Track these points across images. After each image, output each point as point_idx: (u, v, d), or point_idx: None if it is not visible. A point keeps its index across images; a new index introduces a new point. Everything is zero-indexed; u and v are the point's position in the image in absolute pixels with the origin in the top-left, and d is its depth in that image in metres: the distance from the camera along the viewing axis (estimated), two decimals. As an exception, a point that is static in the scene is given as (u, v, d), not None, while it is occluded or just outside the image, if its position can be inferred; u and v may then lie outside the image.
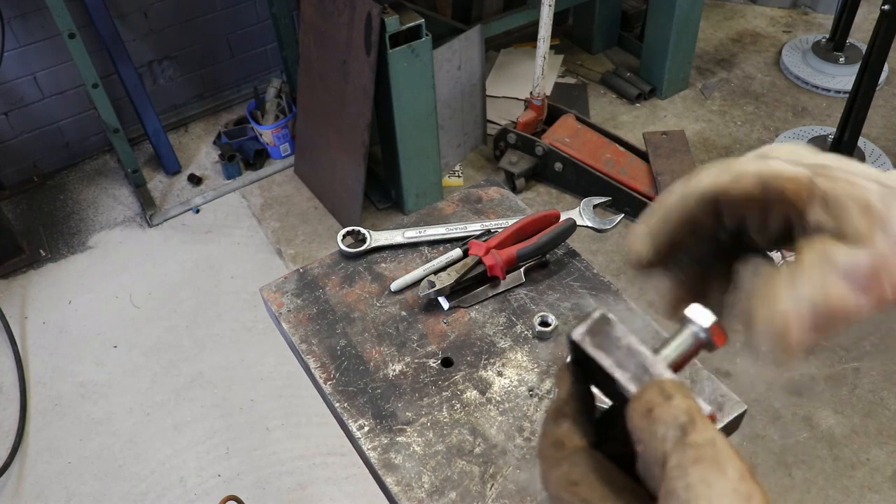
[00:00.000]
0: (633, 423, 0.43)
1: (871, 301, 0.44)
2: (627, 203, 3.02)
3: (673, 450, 0.39)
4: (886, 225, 0.44)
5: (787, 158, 0.48)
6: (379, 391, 1.07)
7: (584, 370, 0.51)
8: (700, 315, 0.49)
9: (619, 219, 1.33)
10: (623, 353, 0.48)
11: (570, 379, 0.50)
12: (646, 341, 0.48)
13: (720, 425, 1.01)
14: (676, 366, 0.49)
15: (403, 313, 1.18)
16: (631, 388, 0.46)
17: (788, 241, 0.48)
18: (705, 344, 0.49)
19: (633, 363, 0.47)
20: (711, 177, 0.49)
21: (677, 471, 0.39)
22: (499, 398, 1.06)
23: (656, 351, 0.49)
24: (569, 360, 0.52)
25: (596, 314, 0.49)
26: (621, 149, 3.17)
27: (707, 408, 0.44)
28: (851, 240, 0.44)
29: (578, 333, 0.48)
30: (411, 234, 1.29)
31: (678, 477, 0.38)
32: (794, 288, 0.44)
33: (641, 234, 0.51)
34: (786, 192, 0.46)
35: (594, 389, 0.52)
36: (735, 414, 1.02)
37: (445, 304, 1.18)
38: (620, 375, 0.46)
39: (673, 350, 0.49)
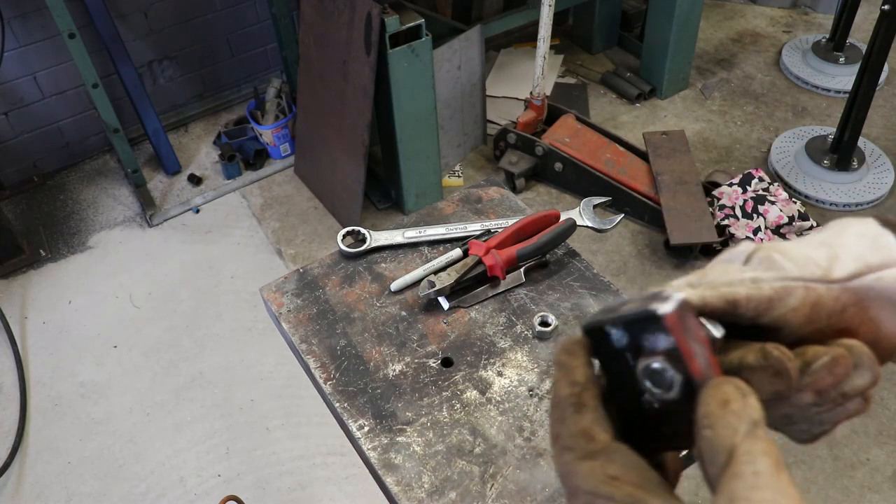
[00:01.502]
0: (706, 409, 0.42)
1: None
2: (627, 203, 3.02)
3: (744, 440, 0.41)
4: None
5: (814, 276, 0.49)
6: (379, 391, 1.07)
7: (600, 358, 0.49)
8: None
9: (619, 219, 1.33)
10: (698, 343, 0.45)
11: (585, 361, 0.48)
12: None
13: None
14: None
15: (403, 313, 1.18)
16: (707, 376, 0.44)
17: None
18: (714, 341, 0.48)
19: (705, 355, 0.45)
20: (721, 285, 0.48)
21: (748, 457, 0.40)
22: (499, 398, 1.06)
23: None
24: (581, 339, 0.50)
25: (673, 296, 0.46)
26: (621, 149, 3.17)
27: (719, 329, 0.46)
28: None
29: (668, 307, 0.45)
30: (411, 234, 1.29)
31: (748, 462, 0.40)
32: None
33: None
34: (827, 313, 0.49)
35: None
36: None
37: (445, 304, 1.18)
38: (700, 368, 0.44)
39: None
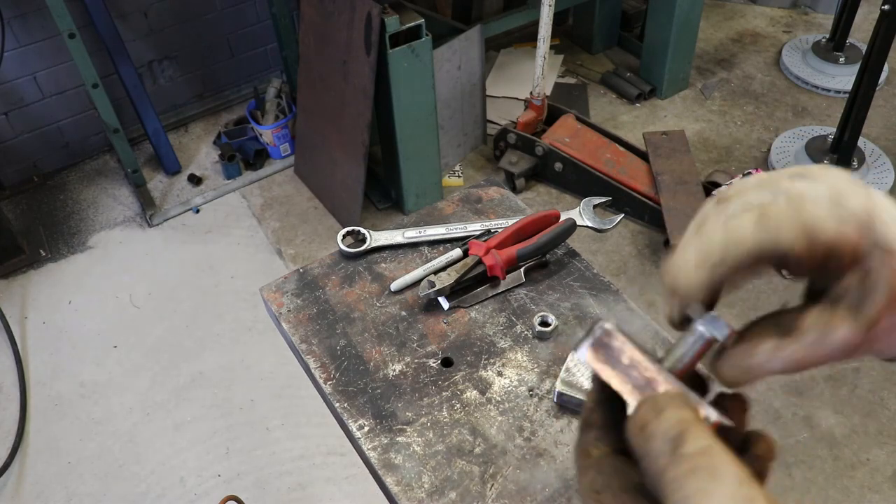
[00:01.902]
0: (631, 442, 0.43)
1: (847, 360, 0.46)
2: (627, 203, 3.02)
3: (668, 463, 0.39)
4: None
5: (830, 197, 0.44)
6: (379, 391, 1.07)
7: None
8: (706, 316, 0.48)
9: (619, 219, 1.33)
10: (626, 365, 0.48)
11: (594, 387, 0.52)
12: (647, 342, 0.48)
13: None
14: (686, 368, 0.49)
15: (403, 313, 1.18)
16: (632, 402, 0.46)
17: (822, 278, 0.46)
18: (712, 342, 0.48)
19: (636, 375, 0.47)
20: (763, 233, 0.44)
21: (674, 484, 0.39)
22: (499, 398, 1.06)
23: (662, 359, 0.49)
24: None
25: (597, 328, 0.50)
26: (621, 149, 3.17)
27: (713, 415, 0.44)
28: (859, 321, 0.43)
29: (583, 351, 0.49)
30: (411, 234, 1.29)
31: (675, 490, 0.38)
32: (774, 353, 0.45)
33: (696, 278, 0.47)
34: (832, 255, 0.44)
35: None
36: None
37: (445, 304, 1.18)
38: (624, 390, 0.47)
39: (678, 354, 0.49)
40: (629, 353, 0.48)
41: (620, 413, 0.49)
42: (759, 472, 0.47)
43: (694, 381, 0.50)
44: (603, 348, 0.49)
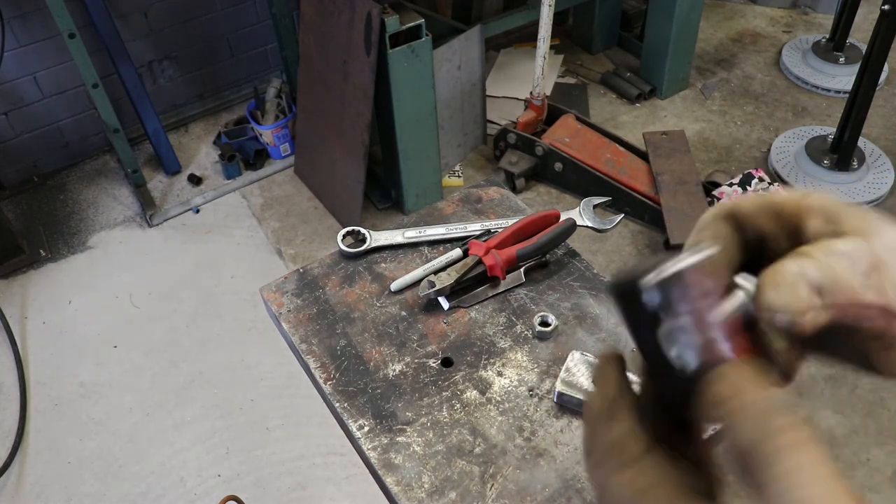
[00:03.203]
0: (722, 409, 0.41)
1: (875, 294, 0.44)
2: (627, 203, 3.02)
3: (761, 438, 0.39)
4: (881, 233, 0.45)
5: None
6: (379, 391, 1.07)
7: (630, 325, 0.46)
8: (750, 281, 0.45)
9: (619, 219, 1.33)
10: (695, 309, 0.43)
11: (617, 371, 0.48)
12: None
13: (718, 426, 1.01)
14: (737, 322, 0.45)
15: (403, 313, 1.18)
16: (695, 353, 0.42)
17: None
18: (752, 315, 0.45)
19: (705, 324, 0.43)
20: (716, 206, 0.49)
21: (770, 458, 0.38)
22: (499, 398, 1.06)
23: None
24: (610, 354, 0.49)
25: (667, 268, 0.43)
26: (621, 149, 3.17)
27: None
28: (853, 233, 0.45)
29: (651, 280, 0.42)
30: (411, 234, 1.29)
31: (773, 464, 0.38)
32: (800, 265, 0.44)
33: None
34: (784, 206, 0.47)
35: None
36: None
37: (445, 304, 1.18)
38: (695, 333, 0.42)
39: (728, 309, 0.45)
40: (712, 293, 0.43)
41: (646, 400, 0.47)
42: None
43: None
44: (679, 286, 0.43)
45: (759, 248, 0.49)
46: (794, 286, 0.43)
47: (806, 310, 0.43)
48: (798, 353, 0.47)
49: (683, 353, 0.43)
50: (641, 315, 0.44)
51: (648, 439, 0.45)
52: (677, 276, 0.42)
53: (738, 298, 0.45)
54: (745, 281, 0.45)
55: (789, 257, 0.45)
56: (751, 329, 0.45)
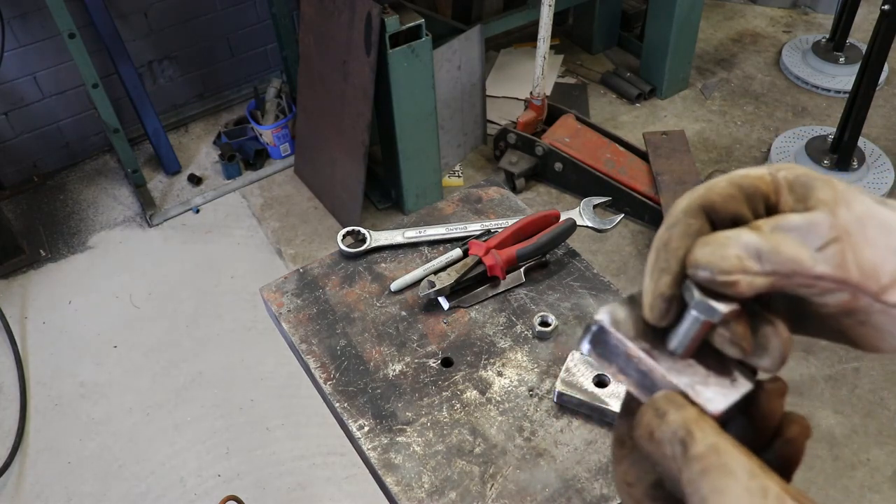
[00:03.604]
0: (643, 451, 0.43)
1: (829, 266, 0.44)
2: (627, 203, 3.02)
3: (682, 467, 0.40)
4: (850, 203, 0.45)
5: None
6: (379, 391, 1.07)
7: None
8: (699, 297, 0.46)
9: (619, 219, 1.33)
10: (623, 360, 0.47)
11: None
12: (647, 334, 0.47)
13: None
14: (686, 352, 0.47)
15: (403, 313, 1.18)
16: (641, 398, 0.46)
17: None
18: (710, 325, 0.46)
19: (634, 370, 0.47)
20: (687, 197, 0.48)
21: (690, 487, 0.39)
22: (499, 398, 1.06)
23: (657, 349, 0.47)
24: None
25: (593, 325, 0.48)
26: (621, 149, 3.17)
27: (717, 406, 0.43)
28: (817, 206, 0.45)
29: (584, 349, 0.48)
30: (411, 234, 1.29)
31: (693, 493, 0.39)
32: (737, 231, 0.44)
33: (654, 279, 0.47)
34: (758, 186, 0.47)
35: None
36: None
37: (445, 304, 1.18)
38: (629, 386, 0.46)
39: (677, 340, 0.47)
40: (625, 347, 0.47)
41: None
42: (793, 455, 0.46)
43: (708, 352, 0.48)
44: (601, 345, 0.47)
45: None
46: (722, 245, 0.43)
47: (734, 269, 0.43)
48: (745, 328, 0.46)
49: (635, 394, 0.47)
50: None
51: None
52: (598, 336, 0.48)
53: (687, 323, 0.47)
54: (693, 299, 0.46)
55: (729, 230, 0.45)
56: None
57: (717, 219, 0.47)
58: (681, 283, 0.46)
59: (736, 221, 0.47)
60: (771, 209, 0.47)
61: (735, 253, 0.43)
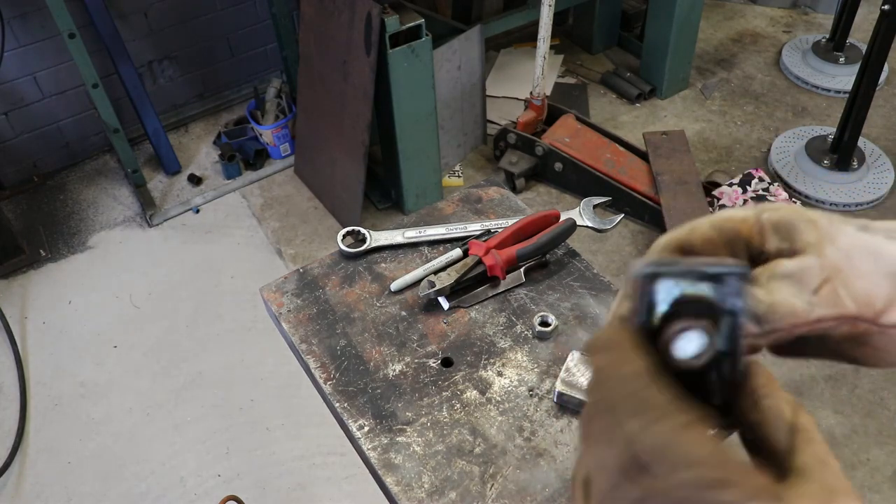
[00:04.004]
0: (760, 380, 0.44)
1: (826, 307, 0.45)
2: (627, 203, 3.02)
3: (797, 412, 0.43)
4: (835, 239, 0.46)
5: (737, 210, 0.50)
6: (379, 391, 1.07)
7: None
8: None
9: (619, 219, 1.33)
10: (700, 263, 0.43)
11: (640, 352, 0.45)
12: None
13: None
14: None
15: (403, 313, 1.18)
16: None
17: None
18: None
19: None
20: (666, 236, 0.49)
21: (810, 428, 0.42)
22: (499, 398, 1.06)
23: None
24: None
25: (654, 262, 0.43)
26: (621, 149, 3.17)
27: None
28: (805, 250, 0.46)
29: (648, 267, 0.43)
30: (411, 234, 1.29)
31: (812, 430, 0.42)
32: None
33: (619, 304, 0.47)
34: (740, 230, 0.48)
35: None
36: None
37: (445, 304, 1.18)
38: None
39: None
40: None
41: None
42: None
43: None
44: (744, 288, 0.44)
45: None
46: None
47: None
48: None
49: (695, 348, 0.43)
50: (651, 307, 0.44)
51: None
52: (731, 274, 0.43)
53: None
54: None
55: None
56: None
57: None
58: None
59: None
60: (755, 251, 0.49)
61: None
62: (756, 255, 0.49)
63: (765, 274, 0.46)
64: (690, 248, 0.48)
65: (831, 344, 0.49)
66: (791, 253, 0.47)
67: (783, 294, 0.45)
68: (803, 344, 0.50)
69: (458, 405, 1.05)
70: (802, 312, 0.45)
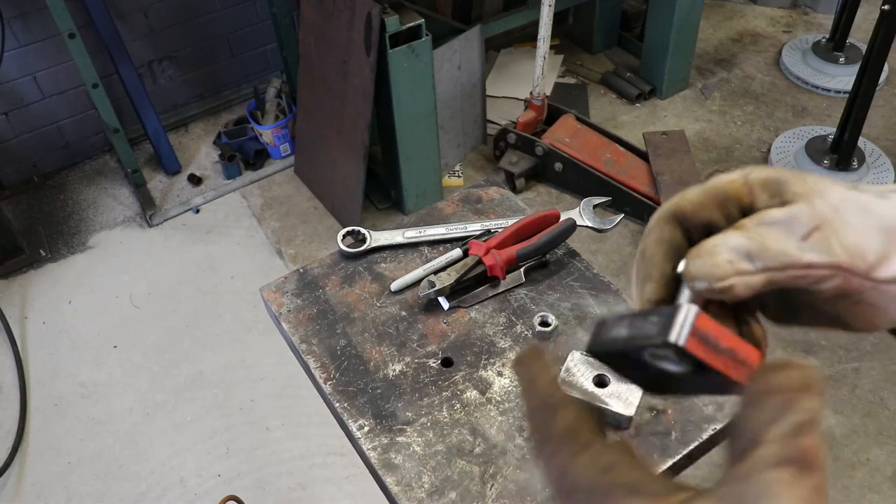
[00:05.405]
0: (756, 393, 0.40)
1: (817, 254, 0.45)
2: (627, 203, 3.02)
3: (772, 438, 0.38)
4: (824, 193, 0.46)
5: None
6: (379, 391, 1.07)
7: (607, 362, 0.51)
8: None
9: (619, 219, 1.33)
10: (631, 321, 0.46)
11: (545, 366, 0.48)
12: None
13: (720, 426, 1.01)
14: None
15: (403, 313, 1.18)
16: (672, 334, 0.43)
17: None
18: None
19: (653, 320, 0.44)
20: (661, 207, 0.50)
21: (765, 460, 0.37)
22: (499, 398, 1.06)
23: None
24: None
25: (688, 312, 0.44)
26: (621, 149, 3.17)
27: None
28: (793, 199, 0.46)
29: (677, 337, 0.44)
30: (411, 234, 1.29)
31: (763, 465, 0.37)
32: (723, 236, 0.46)
33: (639, 288, 0.49)
34: (729, 191, 0.49)
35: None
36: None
37: (445, 304, 1.18)
38: (646, 331, 0.44)
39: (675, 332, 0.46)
40: (723, 339, 0.44)
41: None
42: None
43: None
44: (701, 341, 0.43)
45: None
46: (712, 254, 0.45)
47: (728, 274, 0.45)
48: (755, 322, 0.49)
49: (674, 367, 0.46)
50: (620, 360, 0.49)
51: (594, 426, 0.45)
52: (664, 346, 0.44)
53: (684, 295, 0.47)
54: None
55: (721, 232, 0.47)
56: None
57: (690, 225, 0.49)
58: (664, 285, 0.48)
59: (708, 227, 0.49)
60: (747, 210, 0.49)
61: (726, 258, 0.45)
62: (748, 213, 0.49)
63: (751, 220, 0.46)
64: (682, 215, 0.49)
65: (825, 305, 0.49)
66: (781, 205, 0.47)
67: (772, 237, 0.45)
68: (798, 310, 0.50)
69: (458, 405, 1.05)
70: (794, 252, 0.45)
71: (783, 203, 0.47)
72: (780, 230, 0.45)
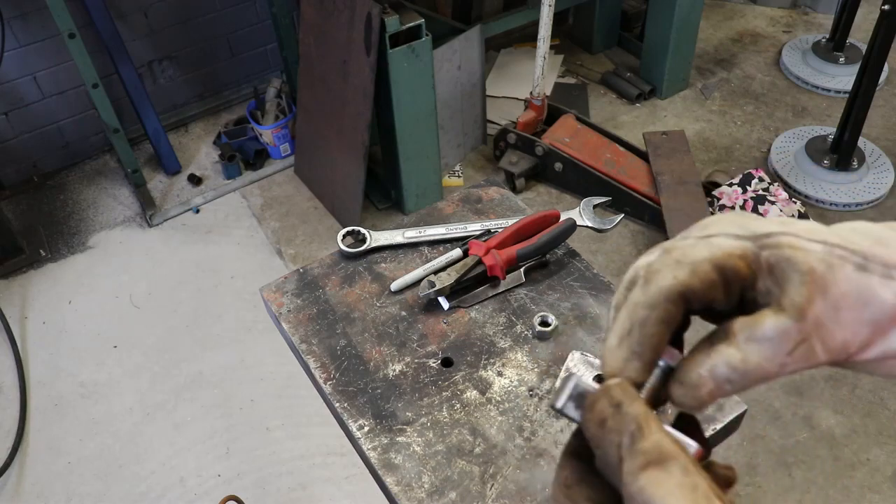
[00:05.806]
0: (589, 433, 0.46)
1: (798, 364, 0.46)
2: (627, 203, 3.02)
3: (625, 456, 0.43)
4: (827, 289, 0.46)
5: (731, 232, 0.49)
6: (379, 391, 1.07)
7: None
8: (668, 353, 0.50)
9: (619, 219, 1.33)
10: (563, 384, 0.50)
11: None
12: None
13: (720, 426, 1.01)
14: (650, 395, 0.50)
15: (403, 313, 1.18)
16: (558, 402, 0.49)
17: (747, 308, 0.50)
18: (667, 370, 0.50)
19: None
20: (669, 276, 0.48)
21: (630, 476, 0.43)
22: (499, 398, 1.06)
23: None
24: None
25: (562, 379, 0.50)
26: (621, 149, 3.17)
27: (692, 445, 0.46)
28: (788, 310, 0.46)
29: (570, 411, 0.48)
30: (411, 234, 1.29)
31: (632, 482, 0.43)
32: (710, 365, 0.47)
33: (624, 356, 0.49)
34: (739, 271, 0.48)
35: None
36: (735, 414, 1.02)
37: (445, 304, 1.18)
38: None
39: (647, 387, 0.50)
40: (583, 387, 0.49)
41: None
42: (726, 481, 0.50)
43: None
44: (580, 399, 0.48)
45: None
46: (696, 386, 0.47)
47: (707, 403, 0.48)
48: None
49: None
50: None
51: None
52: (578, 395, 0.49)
53: (653, 375, 0.50)
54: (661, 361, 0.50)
55: (703, 348, 0.48)
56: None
57: (694, 302, 0.49)
58: (649, 370, 0.49)
59: (710, 304, 0.49)
60: (747, 284, 0.49)
61: (708, 390, 0.47)
62: (747, 288, 0.49)
63: (742, 333, 0.47)
64: (693, 294, 0.48)
65: None
66: (778, 299, 0.47)
67: (755, 359, 0.46)
68: None
69: (458, 405, 1.05)
70: (773, 375, 0.47)
71: (780, 304, 0.46)
72: (768, 348, 0.46)
